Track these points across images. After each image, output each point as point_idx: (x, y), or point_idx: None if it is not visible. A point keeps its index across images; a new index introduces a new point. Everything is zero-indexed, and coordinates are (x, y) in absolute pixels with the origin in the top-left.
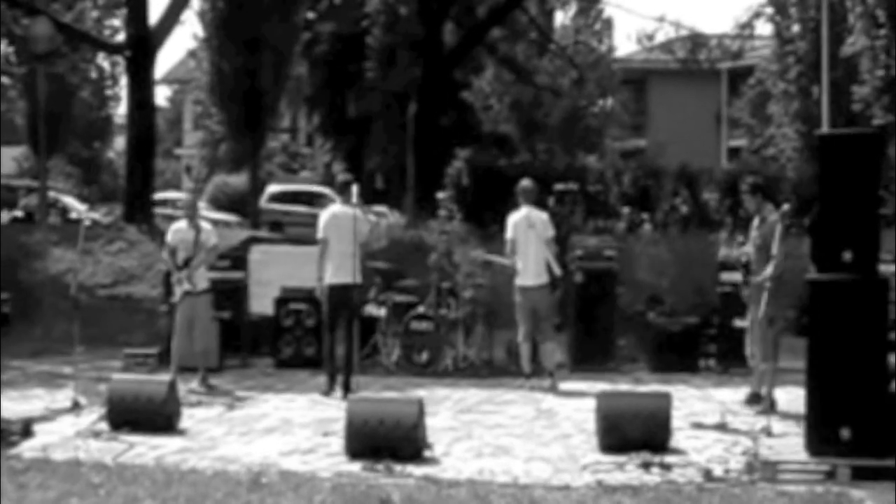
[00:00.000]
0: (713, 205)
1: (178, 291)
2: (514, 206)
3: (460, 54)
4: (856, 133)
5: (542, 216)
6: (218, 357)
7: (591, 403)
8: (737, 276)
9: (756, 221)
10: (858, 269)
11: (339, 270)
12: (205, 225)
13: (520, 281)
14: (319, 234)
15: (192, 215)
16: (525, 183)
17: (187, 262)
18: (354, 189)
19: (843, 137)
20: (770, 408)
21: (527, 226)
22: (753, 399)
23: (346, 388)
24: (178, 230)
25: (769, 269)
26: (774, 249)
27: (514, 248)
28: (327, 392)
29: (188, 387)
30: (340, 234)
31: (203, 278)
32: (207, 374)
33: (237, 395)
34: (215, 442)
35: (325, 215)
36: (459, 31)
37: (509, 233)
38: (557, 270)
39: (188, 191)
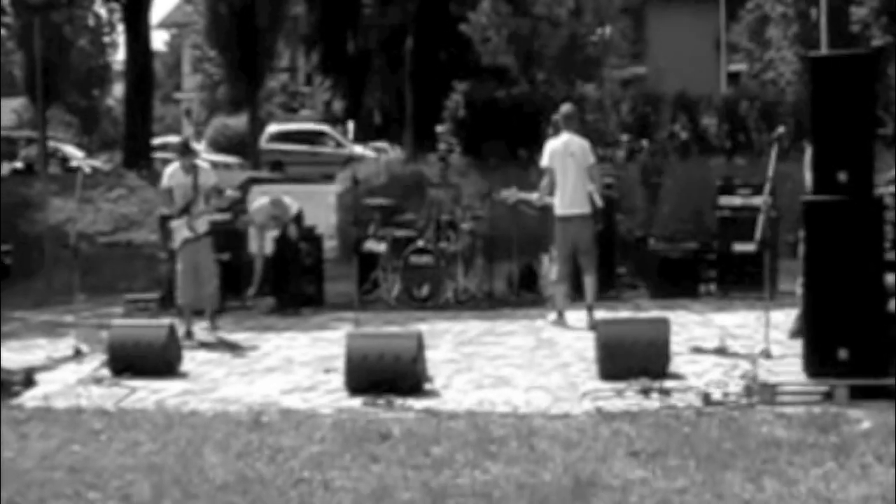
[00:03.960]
0: (712, 131)
1: (177, 238)
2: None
3: None
4: (848, 54)
5: (583, 143)
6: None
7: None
8: (736, 202)
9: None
10: (854, 190)
11: None
12: (201, 164)
13: (559, 211)
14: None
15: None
16: (566, 108)
17: (187, 208)
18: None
19: (836, 59)
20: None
21: (565, 153)
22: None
23: None
24: (173, 174)
25: (764, 193)
26: (769, 172)
27: (551, 177)
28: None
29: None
30: None
31: (203, 222)
32: (216, 316)
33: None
34: (216, 384)
35: None
36: None
37: (545, 160)
38: (599, 202)
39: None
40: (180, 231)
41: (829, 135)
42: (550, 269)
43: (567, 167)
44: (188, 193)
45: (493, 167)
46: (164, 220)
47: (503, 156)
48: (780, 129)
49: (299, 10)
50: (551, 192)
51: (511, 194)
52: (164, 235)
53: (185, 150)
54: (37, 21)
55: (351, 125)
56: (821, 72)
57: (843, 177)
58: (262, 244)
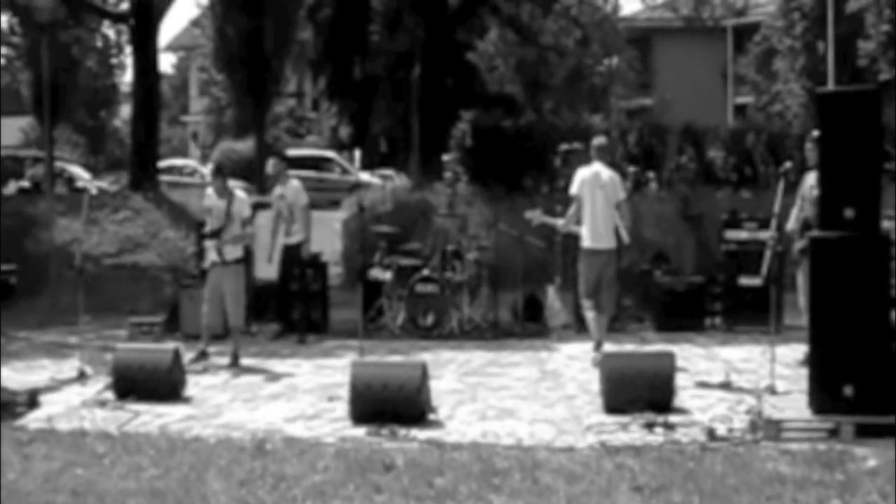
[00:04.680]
0: (719, 163)
1: (207, 259)
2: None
3: (464, 15)
4: (855, 90)
5: (613, 176)
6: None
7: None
8: (742, 235)
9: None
10: (860, 226)
11: None
12: (239, 194)
13: (586, 243)
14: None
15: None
16: (599, 140)
17: (217, 232)
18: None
19: (843, 95)
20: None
21: (595, 184)
22: None
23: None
24: (209, 194)
25: (771, 228)
26: (776, 207)
27: (579, 205)
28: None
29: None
30: None
31: (234, 249)
32: (202, 357)
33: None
34: (220, 409)
35: None
36: None
37: (574, 188)
38: (626, 238)
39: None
40: (210, 253)
41: (835, 171)
42: (555, 299)
43: (596, 198)
44: (221, 217)
45: (498, 197)
46: (201, 238)
47: (509, 185)
48: (788, 164)
49: (307, 36)
50: (578, 221)
51: (536, 216)
52: (199, 252)
53: (215, 173)
54: (44, 40)
55: (358, 153)
56: (827, 108)
57: (849, 213)
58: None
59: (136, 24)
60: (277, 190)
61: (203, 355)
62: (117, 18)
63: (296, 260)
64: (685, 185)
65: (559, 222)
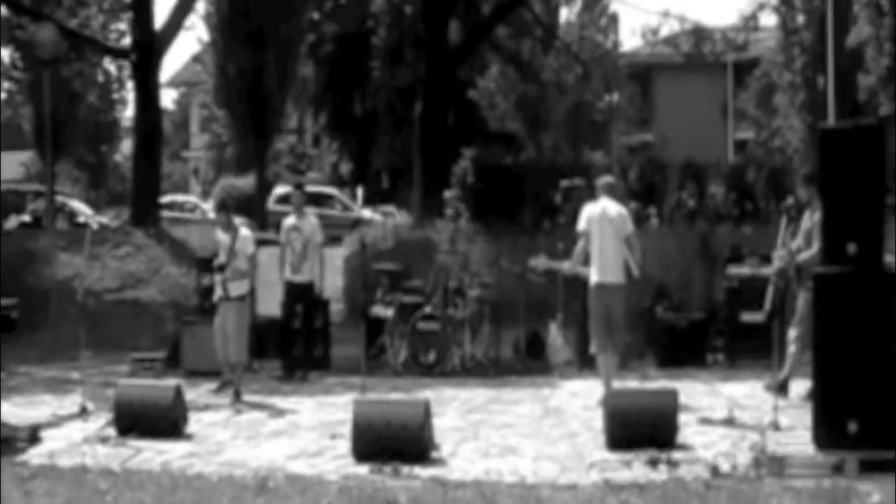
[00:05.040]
0: (719, 198)
1: (215, 293)
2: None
3: (465, 52)
4: (856, 126)
5: (621, 211)
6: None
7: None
8: (745, 271)
9: (808, 213)
10: (863, 261)
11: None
12: (243, 231)
13: (594, 278)
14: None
15: (219, 214)
16: (608, 179)
17: (223, 267)
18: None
19: (844, 131)
20: (781, 389)
21: (603, 219)
22: (782, 386)
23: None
24: (218, 230)
25: (774, 263)
26: (779, 243)
27: (586, 241)
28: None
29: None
30: None
31: (237, 285)
32: (225, 386)
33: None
34: (222, 446)
35: None
36: (464, 28)
37: (582, 225)
38: (636, 272)
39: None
40: (217, 288)
41: (838, 206)
42: (557, 336)
43: (605, 233)
44: (226, 253)
45: (500, 233)
46: (211, 271)
47: (510, 221)
48: (790, 201)
49: (307, 72)
50: (586, 260)
51: (540, 262)
52: (199, 289)
53: (220, 208)
54: (46, 75)
55: (360, 190)
56: (829, 143)
57: (852, 248)
58: None
59: (138, 60)
60: (291, 221)
61: (226, 385)
62: (119, 54)
63: (302, 299)
64: (705, 223)
65: (564, 265)
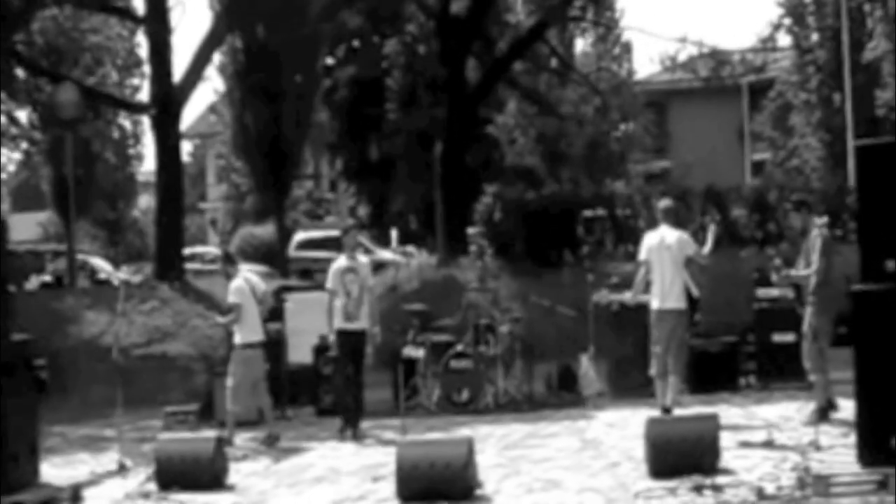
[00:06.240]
0: (742, 222)
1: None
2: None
3: (484, 90)
4: (893, 142)
5: (680, 236)
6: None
7: (635, 430)
8: (773, 293)
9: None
10: None
11: None
12: (232, 283)
13: (655, 304)
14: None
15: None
16: (665, 202)
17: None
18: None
19: (880, 147)
20: (821, 417)
21: (661, 247)
22: (821, 414)
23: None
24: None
25: (812, 282)
26: (814, 263)
27: (647, 270)
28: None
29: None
30: None
31: (238, 333)
32: (231, 434)
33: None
34: (265, 496)
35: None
36: (481, 66)
37: (642, 254)
38: (696, 292)
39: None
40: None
41: (874, 223)
42: (589, 368)
43: (664, 260)
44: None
45: (525, 269)
46: None
47: (535, 256)
48: (824, 219)
49: (323, 118)
50: (646, 288)
51: (603, 296)
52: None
53: (223, 259)
54: (69, 136)
55: (394, 232)
56: (866, 160)
57: (891, 266)
58: None
59: (158, 114)
60: (343, 263)
61: (274, 439)
62: (139, 110)
63: (357, 350)
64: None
65: (626, 296)
